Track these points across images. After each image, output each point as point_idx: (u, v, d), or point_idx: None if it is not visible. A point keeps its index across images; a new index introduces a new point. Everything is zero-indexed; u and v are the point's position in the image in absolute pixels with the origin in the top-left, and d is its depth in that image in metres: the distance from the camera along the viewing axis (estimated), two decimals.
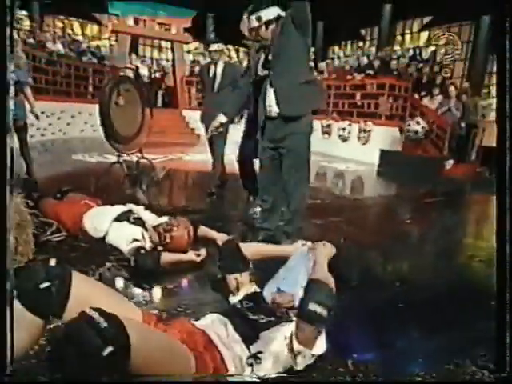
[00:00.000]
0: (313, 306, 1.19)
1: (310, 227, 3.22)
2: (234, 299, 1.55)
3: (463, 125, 7.63)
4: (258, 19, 2.38)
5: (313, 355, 1.26)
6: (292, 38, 2.33)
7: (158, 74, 11.04)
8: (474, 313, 1.93)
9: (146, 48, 13.04)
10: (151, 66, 11.01)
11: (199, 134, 10.02)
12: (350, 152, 8.57)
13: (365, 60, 8.91)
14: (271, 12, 2.37)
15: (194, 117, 10.55)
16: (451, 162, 7.56)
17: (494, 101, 8.47)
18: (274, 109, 2.44)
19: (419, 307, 1.99)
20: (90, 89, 9.35)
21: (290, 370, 1.28)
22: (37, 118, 4.04)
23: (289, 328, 1.29)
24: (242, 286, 1.58)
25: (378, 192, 6.15)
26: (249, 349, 1.25)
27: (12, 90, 3.26)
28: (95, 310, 0.88)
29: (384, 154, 7.90)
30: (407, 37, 10.69)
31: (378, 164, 7.86)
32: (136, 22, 10.44)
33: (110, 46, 10.81)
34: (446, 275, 2.58)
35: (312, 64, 2.54)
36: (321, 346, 1.29)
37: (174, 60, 11.26)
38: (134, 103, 4.93)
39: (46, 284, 1.02)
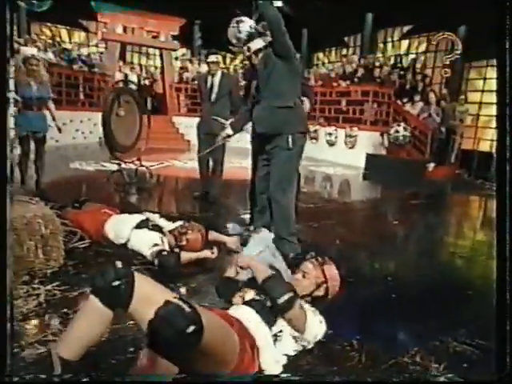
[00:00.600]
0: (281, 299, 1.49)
1: (306, 230, 3.51)
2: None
3: (443, 129, 8.07)
4: (248, 49, 2.75)
5: (308, 340, 1.54)
6: (275, 66, 2.65)
7: (147, 81, 11.19)
8: (454, 301, 2.30)
9: (134, 55, 13.16)
10: (140, 74, 11.15)
11: (189, 139, 10.24)
12: (337, 156, 8.91)
13: (350, 68, 9.29)
14: (257, 43, 2.72)
15: (183, 123, 10.76)
16: (432, 164, 7.98)
17: (471, 106, 8.98)
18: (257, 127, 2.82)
19: (410, 298, 2.30)
20: (81, 96, 9.45)
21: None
22: (59, 130, 4.19)
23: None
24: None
25: (364, 195, 6.47)
26: (271, 330, 1.51)
27: (28, 104, 3.40)
28: (177, 299, 1.13)
29: (370, 157, 8.25)
30: (389, 45, 11.13)
31: (364, 167, 8.21)
32: (124, 29, 10.60)
33: (100, 53, 10.91)
34: (430, 271, 2.91)
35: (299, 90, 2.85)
36: (315, 330, 1.56)
37: (162, 67, 11.44)
38: (133, 113, 5.13)
39: (117, 282, 1.24)
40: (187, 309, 1.08)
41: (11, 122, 3.89)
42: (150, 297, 1.26)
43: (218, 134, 3.37)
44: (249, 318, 1.48)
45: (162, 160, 6.84)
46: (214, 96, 4.23)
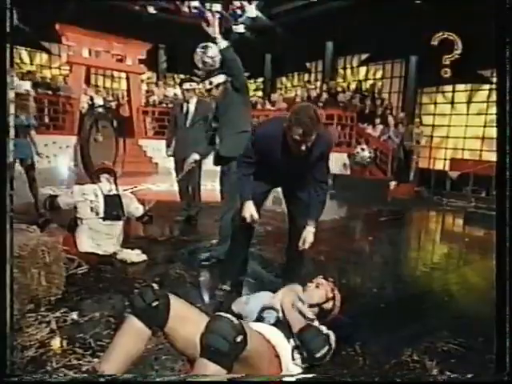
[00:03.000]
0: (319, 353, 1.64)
1: (276, 253, 3.46)
2: None
3: (402, 150, 8.66)
4: (210, 83, 3.02)
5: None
6: (233, 98, 2.98)
7: (113, 104, 11.13)
8: (427, 307, 2.62)
9: (99, 77, 13.07)
10: (106, 97, 11.07)
11: (157, 162, 10.25)
12: None
13: (314, 92, 9.79)
14: (219, 78, 3.02)
15: (150, 145, 10.76)
16: (394, 183, 8.50)
17: (425, 128, 9.68)
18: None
19: (394, 306, 2.53)
20: (46, 120, 9.26)
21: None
22: (38, 154, 4.36)
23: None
24: None
25: (333, 214, 6.74)
26: (289, 342, 1.66)
27: (16, 132, 3.52)
28: (226, 312, 1.26)
29: (335, 178, 8.65)
30: (348, 71, 11.82)
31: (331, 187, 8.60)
32: (90, 52, 10.54)
33: (65, 76, 10.77)
34: (405, 281, 3.19)
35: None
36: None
37: (129, 90, 11.45)
38: (110, 138, 5.18)
39: (155, 303, 1.35)
40: (235, 321, 1.22)
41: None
42: (184, 316, 1.38)
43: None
44: (270, 331, 1.62)
45: (135, 184, 6.83)
46: (189, 122, 4.33)
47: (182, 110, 4.39)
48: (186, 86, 4.37)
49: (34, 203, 4.19)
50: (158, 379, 1.47)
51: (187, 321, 1.39)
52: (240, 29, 13.00)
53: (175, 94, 11.10)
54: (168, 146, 4.57)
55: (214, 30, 2.86)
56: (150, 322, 1.36)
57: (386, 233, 5.29)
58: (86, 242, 2.91)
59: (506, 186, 1.16)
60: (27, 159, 4.10)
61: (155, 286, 1.41)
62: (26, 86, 4.47)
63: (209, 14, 3.21)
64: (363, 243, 4.60)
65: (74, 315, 2.08)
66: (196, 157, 3.30)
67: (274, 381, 1.47)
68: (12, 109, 1.63)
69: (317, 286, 1.89)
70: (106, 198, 3.03)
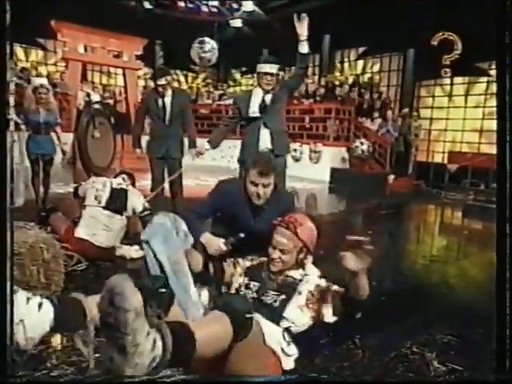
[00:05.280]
0: None
1: None
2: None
3: (400, 143, 8.65)
4: (277, 68, 3.13)
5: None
6: (284, 95, 3.12)
7: (110, 101, 11.07)
8: (428, 299, 2.63)
9: (95, 74, 13.00)
10: (102, 93, 11.01)
11: None
12: (302, 171, 9.23)
13: (312, 87, 9.75)
14: (273, 68, 3.09)
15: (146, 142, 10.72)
16: (392, 176, 8.51)
17: (423, 122, 9.68)
18: (267, 145, 3.02)
19: (394, 299, 2.54)
20: None
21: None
22: (63, 153, 4.56)
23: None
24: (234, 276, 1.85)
25: (331, 208, 6.75)
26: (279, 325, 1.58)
27: (36, 127, 3.70)
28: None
29: (334, 171, 8.66)
30: (346, 64, 11.78)
31: (330, 181, 8.59)
32: (85, 48, 10.47)
33: (62, 73, 10.70)
34: (405, 274, 3.20)
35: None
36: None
37: (126, 86, 11.39)
38: (108, 134, 5.15)
39: (163, 290, 1.29)
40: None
41: (16, 146, 4.16)
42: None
43: (175, 156, 3.67)
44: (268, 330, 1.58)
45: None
46: (167, 117, 3.84)
47: (158, 105, 3.83)
48: (162, 81, 3.77)
49: (43, 197, 4.36)
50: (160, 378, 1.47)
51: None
52: (237, 23, 12.93)
53: None
54: (138, 144, 3.98)
55: (303, 31, 2.91)
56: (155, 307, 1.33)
57: (385, 226, 5.30)
58: (82, 228, 2.91)
59: (507, 178, 1.15)
60: (47, 155, 4.27)
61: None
62: (43, 80, 4.52)
63: (204, 9, 3.23)
64: (363, 237, 4.60)
65: None
66: (208, 146, 3.27)
67: (274, 381, 1.47)
68: (12, 102, 1.61)
69: (282, 252, 1.73)
70: (113, 190, 3.07)
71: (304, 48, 2.96)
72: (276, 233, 1.74)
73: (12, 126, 4.40)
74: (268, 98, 3.07)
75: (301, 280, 1.71)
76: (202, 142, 3.39)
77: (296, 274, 1.74)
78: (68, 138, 9.66)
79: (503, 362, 1.11)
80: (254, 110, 3.09)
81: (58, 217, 3.06)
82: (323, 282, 1.70)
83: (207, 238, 2.00)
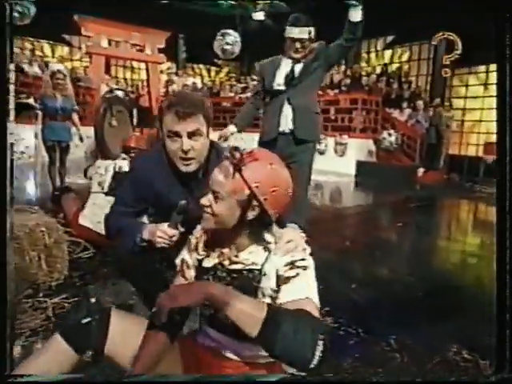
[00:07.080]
0: None
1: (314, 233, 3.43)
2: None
3: (431, 135, 8.19)
4: (309, 32, 2.48)
5: None
6: (319, 68, 2.52)
7: (132, 95, 11.07)
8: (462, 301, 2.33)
9: (119, 69, 13.05)
10: (125, 88, 11.02)
11: None
12: (327, 164, 8.91)
13: (337, 77, 9.39)
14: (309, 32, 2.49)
15: None
16: (422, 169, 8.07)
17: (456, 112, 9.16)
18: (289, 125, 2.53)
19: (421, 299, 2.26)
20: None
21: None
22: (81, 140, 4.52)
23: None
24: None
25: (358, 201, 6.44)
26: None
27: (53, 113, 3.66)
28: None
29: (360, 164, 8.30)
30: (372, 55, 11.32)
31: (356, 174, 8.24)
32: (109, 43, 10.49)
33: (85, 67, 10.78)
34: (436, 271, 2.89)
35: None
36: None
37: (148, 80, 11.35)
38: (126, 122, 5.03)
39: (87, 319, 1.04)
40: None
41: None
42: (128, 337, 1.04)
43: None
44: None
45: None
46: None
47: None
48: None
49: (60, 184, 4.33)
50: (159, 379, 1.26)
51: (130, 335, 1.05)
52: (260, 16, 12.66)
53: (194, 83, 10.93)
54: None
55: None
56: (78, 344, 1.02)
57: (415, 219, 4.96)
58: (86, 216, 2.76)
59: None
60: (64, 142, 4.28)
61: (93, 299, 1.13)
62: (60, 66, 4.56)
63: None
64: (391, 230, 4.30)
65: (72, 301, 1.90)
66: (233, 129, 2.69)
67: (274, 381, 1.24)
68: (12, 90, 1.45)
69: (216, 198, 0.98)
70: (116, 173, 2.88)
71: (355, 15, 2.32)
72: (218, 167, 1.01)
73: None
74: (298, 68, 2.51)
75: (262, 265, 0.98)
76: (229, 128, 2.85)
77: (253, 256, 1.00)
78: (91, 131, 9.80)
79: (503, 362, 1.05)
80: (279, 82, 2.54)
81: (71, 197, 2.94)
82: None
83: (148, 230, 1.35)
